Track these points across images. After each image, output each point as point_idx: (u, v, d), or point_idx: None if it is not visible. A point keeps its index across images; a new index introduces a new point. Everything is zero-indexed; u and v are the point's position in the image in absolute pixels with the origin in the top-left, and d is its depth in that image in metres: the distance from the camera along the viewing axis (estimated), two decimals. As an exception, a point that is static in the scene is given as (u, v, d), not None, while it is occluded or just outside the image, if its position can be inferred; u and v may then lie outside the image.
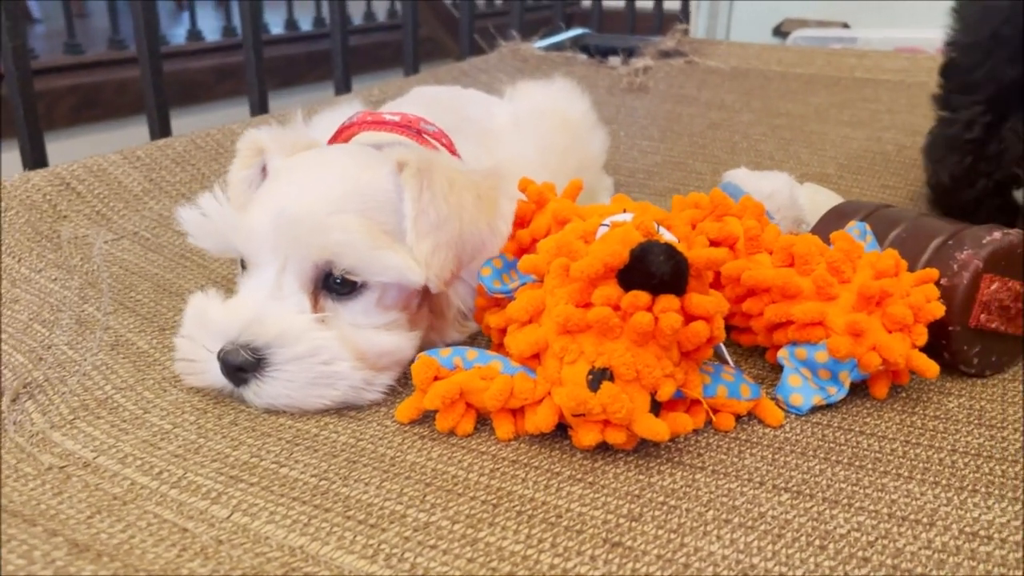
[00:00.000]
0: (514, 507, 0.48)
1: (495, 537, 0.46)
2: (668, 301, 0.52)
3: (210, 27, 2.79)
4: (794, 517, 0.48)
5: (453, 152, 0.70)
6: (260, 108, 1.35)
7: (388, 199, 0.60)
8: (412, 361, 0.57)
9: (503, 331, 0.62)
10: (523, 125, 0.84)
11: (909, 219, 0.70)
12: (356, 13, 2.93)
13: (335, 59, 1.46)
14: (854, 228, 0.68)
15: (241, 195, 0.63)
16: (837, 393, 0.60)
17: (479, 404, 0.55)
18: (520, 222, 0.66)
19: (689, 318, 0.53)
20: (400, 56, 2.70)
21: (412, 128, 0.69)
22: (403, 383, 0.60)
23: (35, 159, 1.11)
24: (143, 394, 0.57)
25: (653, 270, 0.52)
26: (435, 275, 0.59)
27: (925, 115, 1.32)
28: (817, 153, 1.17)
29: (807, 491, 0.51)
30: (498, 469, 0.52)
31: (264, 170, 0.64)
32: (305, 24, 2.88)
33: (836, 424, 0.58)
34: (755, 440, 0.56)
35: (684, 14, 2.27)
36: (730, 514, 0.49)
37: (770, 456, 0.54)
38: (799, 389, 0.60)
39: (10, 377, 0.56)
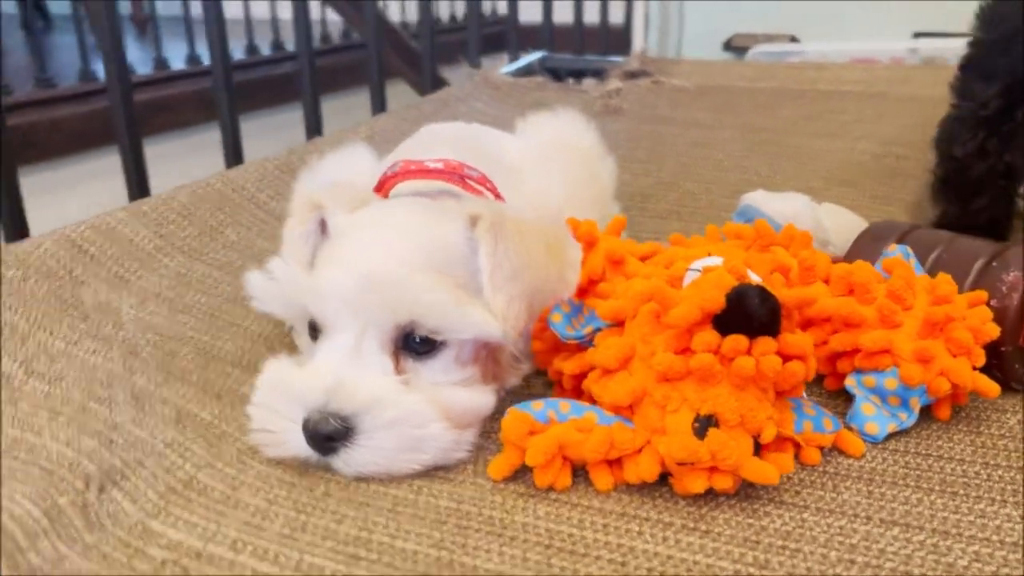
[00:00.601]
0: (643, 565, 0.48)
1: (636, 598, 0.45)
2: (766, 344, 0.53)
3: (138, 59, 2.71)
4: (913, 552, 0.49)
5: (497, 196, 0.69)
6: (234, 154, 1.32)
7: (460, 253, 0.59)
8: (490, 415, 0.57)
9: (576, 376, 0.62)
10: (541, 159, 0.83)
11: (945, 240, 0.72)
12: (288, 39, 2.89)
13: (304, 85, 1.43)
14: (896, 252, 0.69)
15: (299, 252, 0.62)
16: (908, 419, 0.61)
17: (577, 457, 0.55)
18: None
19: (785, 359, 0.54)
20: (338, 80, 2.66)
21: (456, 174, 0.68)
22: (481, 436, 0.59)
23: (12, 214, 1.06)
24: (224, 471, 0.55)
25: (751, 313, 0.52)
26: (511, 327, 0.59)
27: (894, 124, 1.37)
28: (801, 167, 1.20)
29: (915, 523, 0.52)
30: (609, 524, 0.52)
31: (323, 225, 0.62)
32: (238, 53, 2.83)
33: (912, 450, 0.59)
34: (843, 472, 0.57)
35: (627, 27, 2.29)
36: (851, 554, 0.49)
37: (865, 488, 0.55)
38: (874, 417, 0.61)
39: (88, 464, 0.53)
